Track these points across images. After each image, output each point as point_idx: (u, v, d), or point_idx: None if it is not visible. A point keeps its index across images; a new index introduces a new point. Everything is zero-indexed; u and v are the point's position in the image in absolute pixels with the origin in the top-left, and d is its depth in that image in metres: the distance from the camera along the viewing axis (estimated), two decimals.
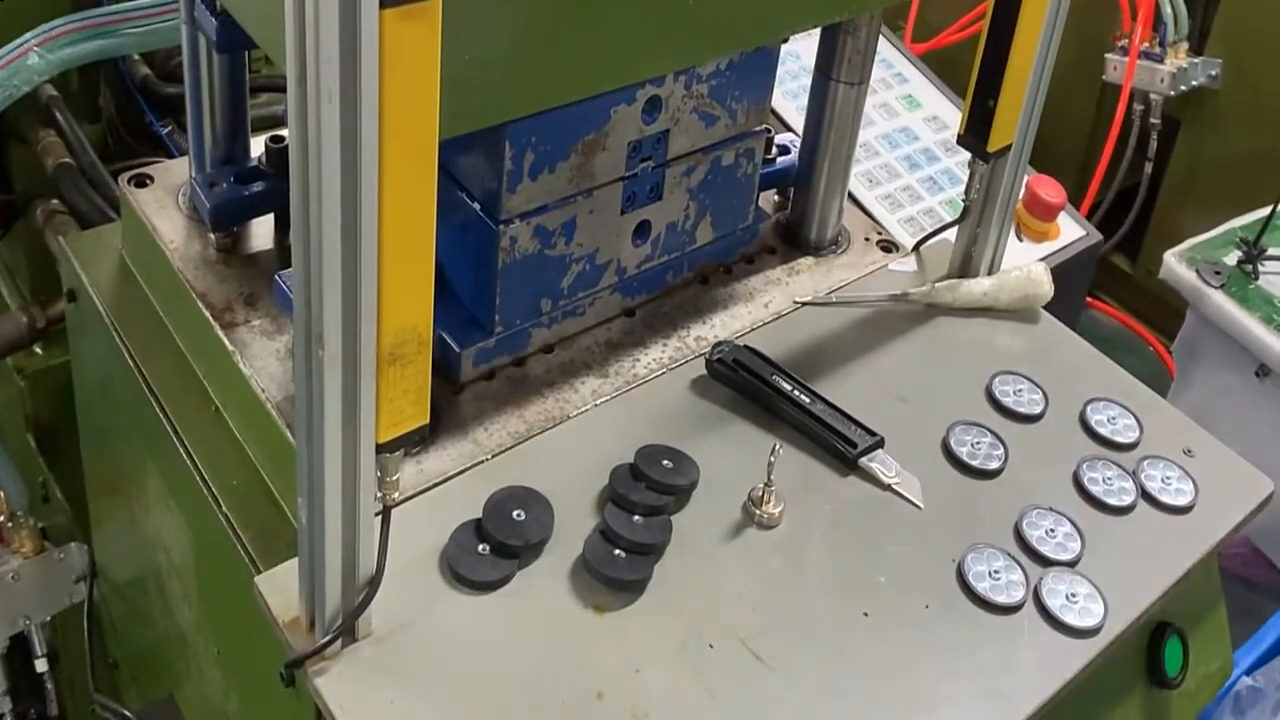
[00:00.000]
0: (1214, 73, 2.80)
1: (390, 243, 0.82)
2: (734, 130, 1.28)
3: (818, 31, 1.31)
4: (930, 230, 1.49)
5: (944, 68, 2.30)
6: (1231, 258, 2.05)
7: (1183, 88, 2.76)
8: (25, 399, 1.75)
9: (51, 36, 1.49)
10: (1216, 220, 2.16)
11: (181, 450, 1.19)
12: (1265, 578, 2.15)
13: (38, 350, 1.71)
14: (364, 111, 0.77)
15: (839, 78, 1.35)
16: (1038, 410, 1.29)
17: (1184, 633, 1.29)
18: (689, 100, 1.22)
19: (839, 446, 1.19)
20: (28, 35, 1.48)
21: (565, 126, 1.13)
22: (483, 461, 1.13)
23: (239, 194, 1.27)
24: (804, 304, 1.36)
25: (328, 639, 0.95)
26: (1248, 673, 1.78)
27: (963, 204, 1.39)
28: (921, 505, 1.17)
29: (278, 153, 1.28)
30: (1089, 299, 2.75)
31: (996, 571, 1.12)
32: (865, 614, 1.08)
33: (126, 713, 1.63)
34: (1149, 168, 2.89)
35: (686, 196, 1.28)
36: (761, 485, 1.12)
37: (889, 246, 1.46)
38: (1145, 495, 1.23)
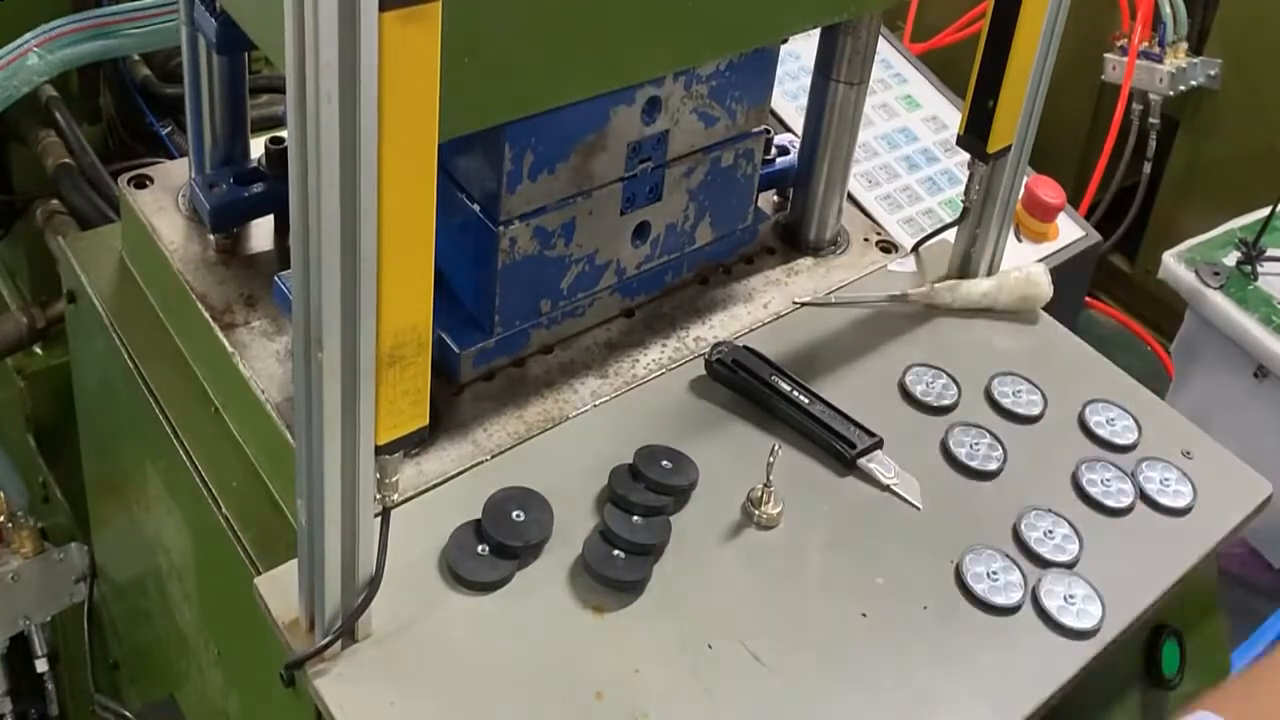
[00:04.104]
0: (1213, 73, 2.79)
1: (389, 244, 0.82)
2: (733, 131, 1.28)
3: (818, 31, 1.31)
4: (929, 231, 1.49)
5: (943, 68, 2.29)
6: (1230, 258, 2.05)
7: (1181, 88, 2.76)
8: (25, 399, 1.75)
9: (51, 37, 1.49)
10: (1215, 220, 2.16)
11: (181, 451, 1.19)
12: (1262, 578, 2.15)
13: (38, 350, 1.71)
14: (363, 113, 0.77)
15: (839, 78, 1.35)
16: (1036, 411, 1.29)
17: (1181, 634, 1.29)
18: (689, 101, 1.22)
19: (838, 447, 1.19)
20: (28, 35, 1.48)
21: (565, 127, 1.13)
22: (482, 462, 1.13)
23: (239, 195, 1.27)
24: (803, 304, 1.36)
25: (327, 640, 0.95)
26: None
27: (962, 205, 1.39)
28: (920, 506, 1.18)
29: (277, 154, 1.28)
30: (1087, 299, 2.74)
31: (995, 572, 1.12)
32: (864, 615, 1.08)
33: (126, 713, 1.64)
34: (1148, 168, 2.88)
35: (686, 197, 1.28)
36: (760, 486, 1.13)
37: (888, 247, 1.47)
38: (1144, 497, 1.23)
